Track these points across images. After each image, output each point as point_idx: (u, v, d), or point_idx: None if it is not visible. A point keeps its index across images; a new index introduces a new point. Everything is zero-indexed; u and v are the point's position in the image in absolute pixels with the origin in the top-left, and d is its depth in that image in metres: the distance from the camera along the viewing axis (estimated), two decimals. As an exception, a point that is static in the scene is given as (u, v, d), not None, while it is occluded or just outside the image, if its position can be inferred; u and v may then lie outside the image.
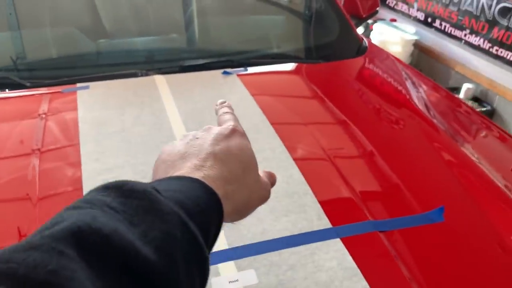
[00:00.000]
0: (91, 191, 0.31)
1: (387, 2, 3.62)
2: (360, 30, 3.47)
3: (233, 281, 0.59)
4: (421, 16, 3.26)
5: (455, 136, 1.06)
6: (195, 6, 1.43)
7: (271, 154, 0.85)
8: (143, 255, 0.26)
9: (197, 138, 0.41)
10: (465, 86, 2.80)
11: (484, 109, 2.71)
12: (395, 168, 0.86)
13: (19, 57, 1.23)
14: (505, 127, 2.63)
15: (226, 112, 0.45)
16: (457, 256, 0.69)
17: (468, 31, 2.83)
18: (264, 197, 0.43)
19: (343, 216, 0.72)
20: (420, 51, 3.31)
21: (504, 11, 2.54)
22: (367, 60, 1.40)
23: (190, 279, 0.29)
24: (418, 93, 1.24)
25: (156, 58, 1.32)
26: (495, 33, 2.61)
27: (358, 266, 0.62)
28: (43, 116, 0.97)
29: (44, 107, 1.00)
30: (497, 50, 2.63)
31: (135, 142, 0.88)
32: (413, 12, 3.33)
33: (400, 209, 0.77)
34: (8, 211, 0.73)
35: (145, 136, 0.90)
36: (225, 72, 1.19)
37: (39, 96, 1.06)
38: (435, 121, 1.07)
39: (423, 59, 3.32)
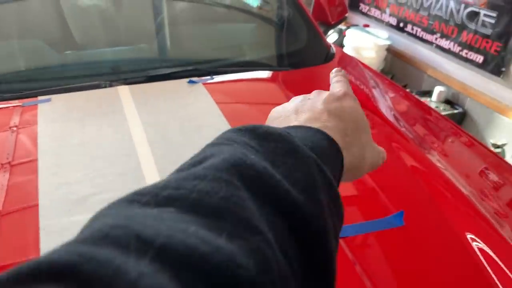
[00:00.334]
0: (225, 132, 0.30)
1: (360, 8, 3.67)
2: (333, 36, 3.51)
3: None
4: (393, 21, 3.31)
5: (422, 143, 1.07)
6: (165, 16, 1.42)
7: None
8: (292, 196, 0.25)
9: (309, 99, 0.40)
10: (437, 89, 2.84)
11: (456, 111, 2.76)
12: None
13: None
14: (476, 129, 2.69)
15: (339, 80, 0.44)
16: (416, 258, 0.70)
17: (438, 35, 2.88)
18: (376, 163, 0.42)
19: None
20: (393, 55, 3.36)
21: (472, 15, 2.60)
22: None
23: (334, 225, 0.28)
24: (385, 101, 1.25)
25: (122, 69, 1.30)
26: (464, 36, 2.67)
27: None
28: (1, 131, 0.95)
29: (3, 121, 0.98)
30: (466, 53, 2.68)
31: (96, 155, 0.87)
32: (386, 17, 3.38)
33: (361, 214, 0.77)
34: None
35: (106, 148, 0.89)
36: (190, 81, 1.18)
37: (-2, 111, 1.04)
38: (402, 129, 1.08)
39: (396, 63, 3.37)
